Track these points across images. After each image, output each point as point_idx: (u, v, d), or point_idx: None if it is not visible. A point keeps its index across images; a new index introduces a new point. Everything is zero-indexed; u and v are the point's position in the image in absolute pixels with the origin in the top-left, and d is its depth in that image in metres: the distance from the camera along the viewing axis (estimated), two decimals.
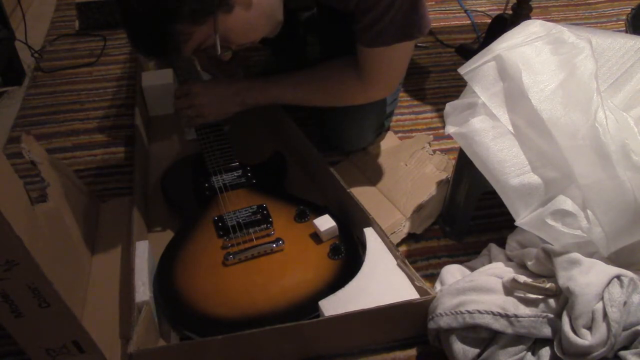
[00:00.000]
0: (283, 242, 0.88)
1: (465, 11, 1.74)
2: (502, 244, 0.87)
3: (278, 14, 0.89)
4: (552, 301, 0.70)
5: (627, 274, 0.68)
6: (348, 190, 0.95)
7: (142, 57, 1.36)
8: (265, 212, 0.93)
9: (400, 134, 1.23)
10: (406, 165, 1.12)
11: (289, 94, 1.04)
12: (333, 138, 1.15)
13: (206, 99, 1.07)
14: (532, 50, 0.80)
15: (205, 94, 1.07)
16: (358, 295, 0.80)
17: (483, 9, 1.75)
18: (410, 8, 0.86)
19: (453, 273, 0.85)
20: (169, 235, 0.95)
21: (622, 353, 0.66)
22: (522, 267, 0.79)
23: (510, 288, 0.73)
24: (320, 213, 0.91)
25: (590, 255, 0.72)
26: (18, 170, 0.75)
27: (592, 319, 0.66)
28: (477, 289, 0.75)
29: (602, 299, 0.66)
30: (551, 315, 0.69)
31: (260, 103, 1.07)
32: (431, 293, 0.79)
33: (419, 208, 1.03)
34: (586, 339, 0.65)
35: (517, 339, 0.70)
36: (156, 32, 0.78)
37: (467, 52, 1.49)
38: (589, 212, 0.71)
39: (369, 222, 0.91)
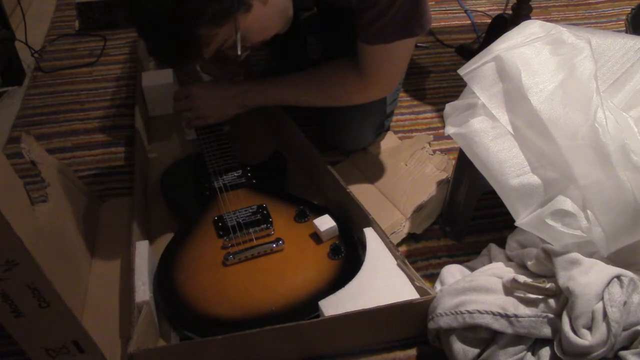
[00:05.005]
0: (283, 242, 0.88)
1: (465, 11, 1.74)
2: (502, 244, 0.87)
3: (289, 9, 0.90)
4: (552, 301, 0.70)
5: (627, 274, 0.68)
6: (348, 190, 0.96)
7: (159, 62, 1.35)
8: (265, 212, 0.93)
9: (400, 134, 1.23)
10: (406, 165, 1.12)
11: (289, 95, 1.04)
12: (333, 138, 1.15)
13: (206, 101, 1.07)
14: (531, 51, 0.80)
15: (205, 96, 1.07)
16: (358, 296, 0.80)
17: (483, 9, 1.75)
18: (412, 5, 0.86)
19: (453, 273, 0.85)
20: (169, 235, 0.95)
21: (622, 353, 0.66)
22: (522, 267, 0.79)
23: (510, 288, 0.73)
24: (320, 213, 0.91)
25: (590, 255, 0.72)
26: (18, 170, 0.75)
27: (592, 319, 0.66)
28: (477, 289, 0.75)
29: (602, 299, 0.66)
30: (551, 315, 0.69)
31: (260, 104, 1.07)
32: (431, 293, 0.79)
33: (419, 208, 1.03)
34: (586, 339, 0.65)
35: (517, 339, 0.70)
36: (179, 39, 0.78)
37: (467, 52, 1.50)
38: (588, 212, 0.71)
39: (369, 222, 0.91)
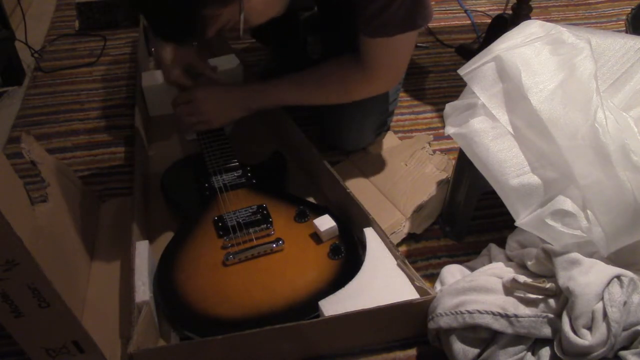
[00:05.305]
0: (283, 242, 0.88)
1: (465, 11, 1.74)
2: (502, 244, 0.87)
3: None
4: (552, 301, 0.70)
5: (627, 274, 0.68)
6: (348, 190, 0.95)
7: (161, 42, 1.34)
8: (265, 212, 0.93)
9: (400, 134, 1.23)
10: (406, 165, 1.12)
11: (292, 95, 1.04)
12: (333, 138, 1.15)
13: (210, 105, 1.06)
14: (531, 51, 0.79)
15: (208, 100, 1.06)
16: (358, 296, 0.80)
17: (483, 9, 1.75)
18: None
19: (453, 273, 0.85)
20: (169, 235, 0.95)
21: (622, 353, 0.66)
22: (522, 267, 0.79)
23: (510, 288, 0.73)
24: (320, 213, 0.91)
25: (590, 255, 0.72)
26: (18, 170, 0.75)
27: (592, 319, 0.66)
28: (477, 289, 0.75)
29: (602, 299, 0.66)
30: (551, 315, 0.69)
31: (265, 107, 1.07)
32: (431, 293, 0.79)
33: (419, 208, 1.03)
34: (586, 339, 0.65)
35: (517, 339, 0.70)
36: (185, 18, 0.78)
37: (467, 52, 1.50)
38: (588, 212, 0.71)
39: (369, 222, 0.91)
